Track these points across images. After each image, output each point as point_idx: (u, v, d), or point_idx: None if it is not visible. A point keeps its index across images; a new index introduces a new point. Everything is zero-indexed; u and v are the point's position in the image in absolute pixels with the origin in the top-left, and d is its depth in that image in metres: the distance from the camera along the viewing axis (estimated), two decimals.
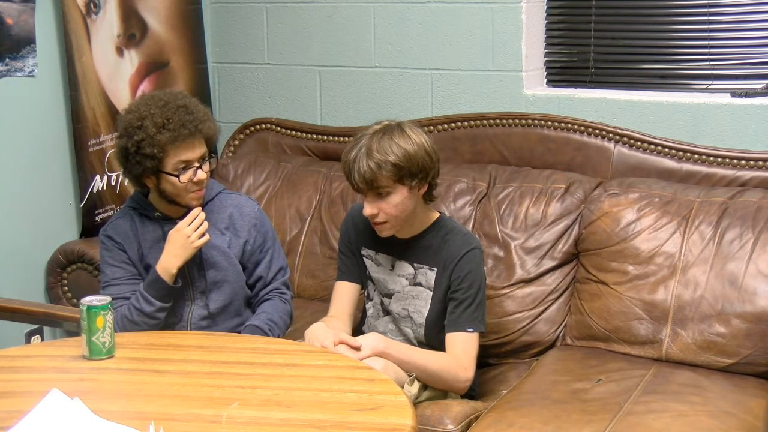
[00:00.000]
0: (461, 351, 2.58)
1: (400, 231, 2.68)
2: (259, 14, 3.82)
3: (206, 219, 2.67)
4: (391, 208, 2.58)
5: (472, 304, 2.60)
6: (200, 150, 2.62)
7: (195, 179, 2.61)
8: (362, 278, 2.79)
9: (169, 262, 2.60)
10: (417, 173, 2.55)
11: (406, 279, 2.69)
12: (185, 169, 2.60)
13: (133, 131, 2.58)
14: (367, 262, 2.76)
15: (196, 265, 2.68)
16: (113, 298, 2.59)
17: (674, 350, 2.77)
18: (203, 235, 2.61)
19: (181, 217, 2.67)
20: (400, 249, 2.70)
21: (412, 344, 2.69)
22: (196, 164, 2.61)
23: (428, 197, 2.67)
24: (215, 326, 2.71)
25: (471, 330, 2.59)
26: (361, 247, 2.76)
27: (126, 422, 1.86)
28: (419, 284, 2.68)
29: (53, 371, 2.18)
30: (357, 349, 2.45)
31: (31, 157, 3.23)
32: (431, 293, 2.66)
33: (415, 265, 2.68)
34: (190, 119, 2.59)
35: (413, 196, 2.59)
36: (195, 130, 2.60)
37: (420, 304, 2.68)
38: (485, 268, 2.73)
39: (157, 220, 2.71)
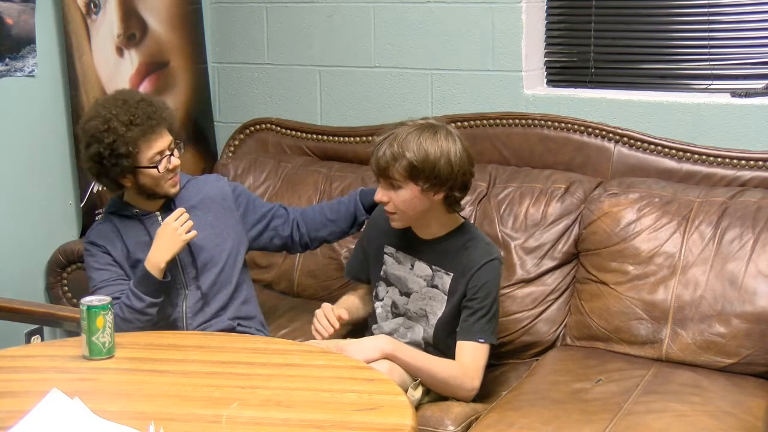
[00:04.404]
0: (470, 360, 2.58)
1: (419, 230, 2.68)
2: (259, 14, 3.82)
3: (181, 204, 2.73)
4: (400, 202, 2.58)
5: (486, 315, 2.60)
6: (168, 138, 2.69)
7: (171, 166, 2.67)
8: (366, 275, 2.80)
9: (158, 256, 2.61)
10: (431, 178, 2.54)
11: (424, 280, 2.70)
12: (160, 159, 2.65)
13: (101, 135, 2.61)
14: (389, 259, 2.76)
15: (186, 252, 2.71)
16: None
17: (674, 350, 2.77)
18: (189, 231, 2.64)
19: (161, 209, 2.74)
20: (420, 249, 2.70)
21: (420, 346, 2.69)
22: (168, 152, 2.67)
23: (449, 206, 2.64)
24: (207, 306, 2.73)
25: (482, 341, 2.59)
26: (383, 245, 2.77)
27: (126, 422, 1.86)
28: (435, 287, 2.68)
29: (53, 371, 2.18)
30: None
31: (31, 157, 3.23)
32: (446, 297, 2.66)
33: (433, 267, 2.68)
34: (153, 110, 2.65)
35: (426, 199, 2.58)
36: (161, 119, 2.66)
37: (436, 306, 2.68)
38: None
39: (136, 218, 2.74)
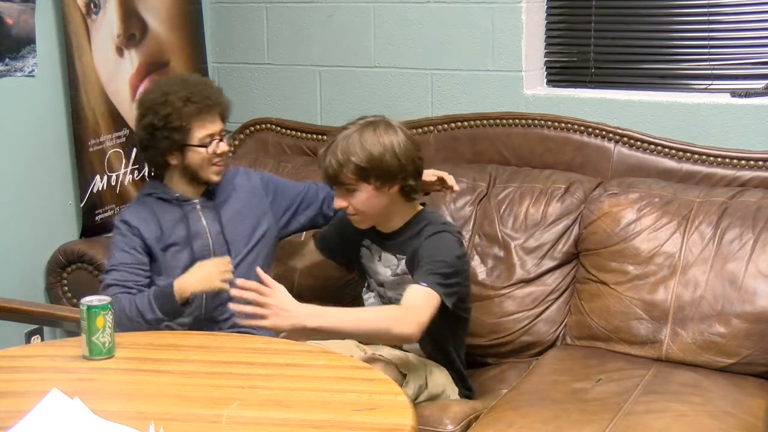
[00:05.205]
0: (412, 298, 2.48)
1: (381, 225, 2.71)
2: (259, 14, 3.82)
3: (219, 193, 2.80)
4: (359, 204, 2.62)
5: (431, 269, 2.51)
6: (219, 124, 2.75)
7: (219, 150, 2.72)
8: (335, 255, 2.94)
9: (188, 282, 2.64)
10: (381, 174, 2.57)
11: (390, 270, 2.73)
12: (210, 141, 2.71)
13: (158, 107, 2.68)
14: (365, 252, 2.80)
15: (221, 243, 2.76)
16: (113, 284, 2.62)
17: (674, 350, 2.77)
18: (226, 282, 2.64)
19: (202, 195, 2.79)
20: (384, 242, 2.74)
21: None
22: (218, 137, 2.73)
23: (407, 195, 2.66)
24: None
25: (424, 285, 2.48)
26: (361, 238, 2.79)
27: (126, 422, 1.86)
28: (398, 275, 2.71)
29: (53, 371, 2.18)
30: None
31: (31, 157, 3.23)
32: (411, 276, 2.66)
33: (398, 256, 2.72)
34: (211, 92, 2.74)
35: (382, 194, 2.61)
36: (217, 102, 2.74)
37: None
38: (485, 268, 2.71)
39: (175, 202, 2.77)
